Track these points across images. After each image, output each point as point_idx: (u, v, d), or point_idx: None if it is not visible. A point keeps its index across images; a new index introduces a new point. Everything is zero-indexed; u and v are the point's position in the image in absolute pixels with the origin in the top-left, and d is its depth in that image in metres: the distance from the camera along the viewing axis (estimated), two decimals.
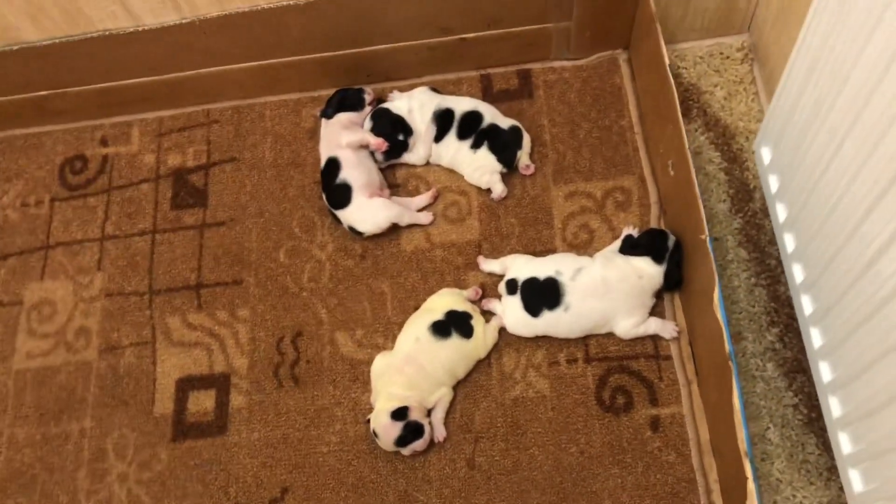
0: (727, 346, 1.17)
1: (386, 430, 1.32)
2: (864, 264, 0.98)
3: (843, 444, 1.12)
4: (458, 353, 1.38)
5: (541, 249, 1.48)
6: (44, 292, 1.58)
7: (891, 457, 0.98)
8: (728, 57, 1.62)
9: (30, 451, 1.45)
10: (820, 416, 1.28)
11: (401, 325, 1.43)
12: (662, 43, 1.39)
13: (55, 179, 1.68)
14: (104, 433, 1.45)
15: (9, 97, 1.65)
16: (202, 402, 1.45)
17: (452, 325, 1.38)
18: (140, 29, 1.51)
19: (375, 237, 1.53)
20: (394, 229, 1.53)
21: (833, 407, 1.13)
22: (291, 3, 1.47)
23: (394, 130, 1.54)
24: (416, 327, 1.39)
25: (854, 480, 1.09)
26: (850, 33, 0.96)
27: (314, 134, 1.63)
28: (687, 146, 1.32)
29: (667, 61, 1.37)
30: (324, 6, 1.47)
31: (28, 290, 1.59)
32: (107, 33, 1.52)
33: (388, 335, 1.45)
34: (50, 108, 1.68)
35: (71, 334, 1.54)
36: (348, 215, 1.51)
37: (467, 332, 1.38)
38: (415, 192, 1.57)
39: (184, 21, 1.50)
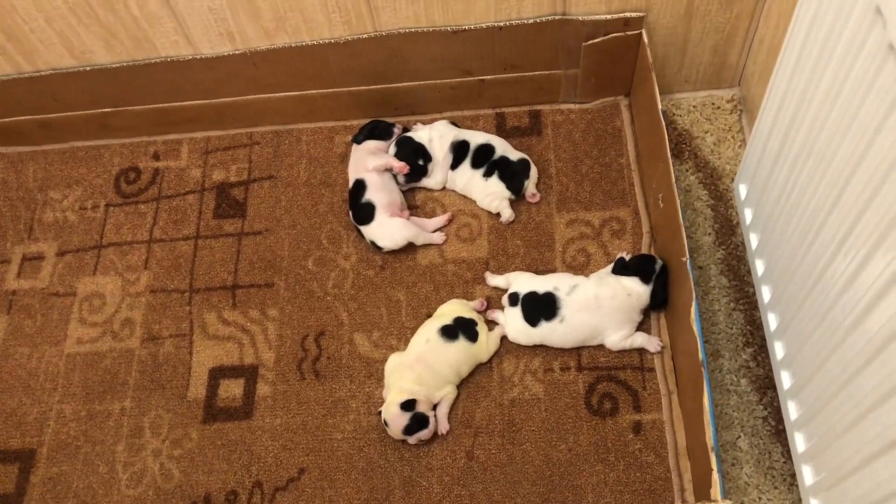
0: (700, 354, 1.33)
1: (395, 419, 1.48)
2: (817, 276, 1.15)
3: (799, 443, 1.27)
4: (463, 355, 1.54)
5: (542, 269, 1.65)
6: (95, 286, 1.76)
7: (835, 447, 1.13)
8: (719, 107, 1.80)
9: (75, 425, 1.62)
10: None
11: (413, 330, 1.60)
12: (657, 91, 1.58)
13: (111, 187, 1.88)
14: (142, 412, 1.62)
15: (76, 112, 1.85)
16: (231, 390, 1.62)
17: (460, 329, 1.55)
18: (197, 57, 1.72)
19: (394, 251, 1.70)
20: (411, 245, 1.70)
21: (791, 410, 1.29)
22: (332, 40, 1.67)
23: (415, 156, 1.73)
24: (427, 330, 1.56)
25: (806, 475, 1.24)
26: (806, 79, 1.15)
27: (344, 158, 1.82)
28: (675, 182, 1.49)
29: (660, 107, 1.55)
30: (361, 45, 1.67)
31: (81, 283, 1.77)
32: (168, 60, 1.72)
33: (401, 338, 1.62)
34: (111, 124, 1.88)
35: (117, 324, 1.71)
36: (371, 231, 1.69)
37: (473, 336, 1.55)
38: (432, 214, 1.75)
39: (236, 52, 1.71)
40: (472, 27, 1.63)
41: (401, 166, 1.72)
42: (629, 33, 1.65)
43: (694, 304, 1.37)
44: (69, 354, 1.69)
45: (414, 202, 1.77)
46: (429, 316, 1.62)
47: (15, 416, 1.64)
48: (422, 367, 1.52)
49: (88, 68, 1.75)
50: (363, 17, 1.62)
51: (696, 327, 1.35)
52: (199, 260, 1.76)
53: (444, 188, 1.77)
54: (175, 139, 1.92)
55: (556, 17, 1.62)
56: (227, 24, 1.64)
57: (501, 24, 1.63)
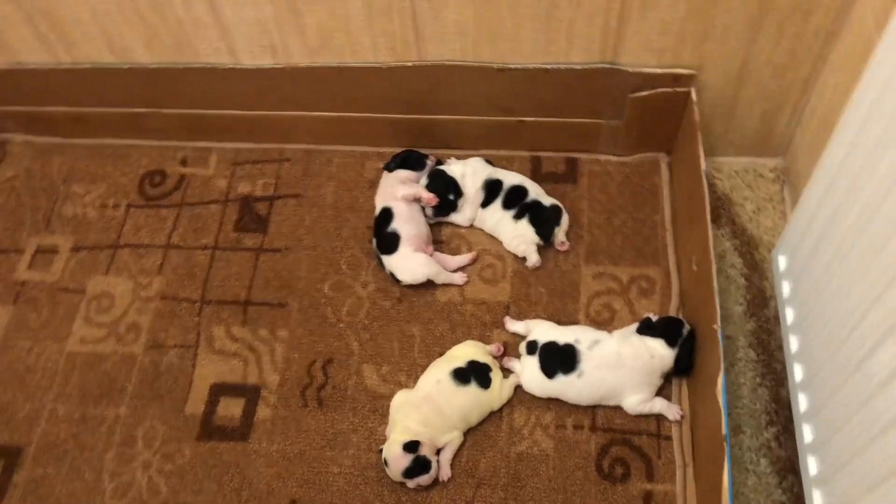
0: (724, 428, 1.26)
1: (396, 459, 1.42)
2: (857, 363, 1.09)
3: None
4: (473, 401, 1.48)
5: (564, 320, 1.59)
6: (106, 286, 1.72)
7: None
8: (761, 175, 1.75)
9: (66, 426, 1.57)
10: None
11: (424, 368, 1.54)
12: (702, 151, 1.53)
13: (135, 188, 1.85)
14: (136, 422, 1.56)
15: (110, 109, 1.84)
16: (231, 409, 1.56)
17: (472, 373, 1.49)
18: (237, 67, 1.70)
19: (413, 285, 1.65)
20: (431, 280, 1.66)
21: (816, 499, 1.21)
22: (375, 65, 1.64)
23: (446, 190, 1.69)
24: (439, 370, 1.50)
25: None
26: (863, 159, 1.10)
27: (373, 184, 1.78)
28: (712, 246, 1.44)
29: (703, 168, 1.51)
30: (403, 73, 1.64)
31: (92, 281, 1.73)
32: (208, 66, 1.70)
33: (411, 374, 1.56)
34: (143, 124, 1.86)
35: (123, 328, 1.67)
36: (392, 262, 1.64)
37: (485, 382, 1.49)
38: (456, 251, 1.70)
39: (276, 66, 1.68)
40: (518, 67, 1.60)
41: (430, 198, 1.67)
42: (678, 90, 1.61)
43: (721, 375, 1.30)
44: (70, 353, 1.65)
45: (439, 236, 1.72)
46: (441, 355, 1.57)
47: (6, 412, 1.59)
48: (429, 409, 1.46)
49: (127, 66, 1.73)
50: (409, 44, 1.59)
51: (721, 400, 1.29)
52: (214, 271, 1.72)
53: (471, 226, 1.73)
54: (205, 147, 1.89)
55: (605, 66, 1.59)
56: (272, 37, 1.62)
57: (548, 66, 1.59)
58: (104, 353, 1.64)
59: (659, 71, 1.59)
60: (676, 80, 1.60)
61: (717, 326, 1.35)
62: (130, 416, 1.57)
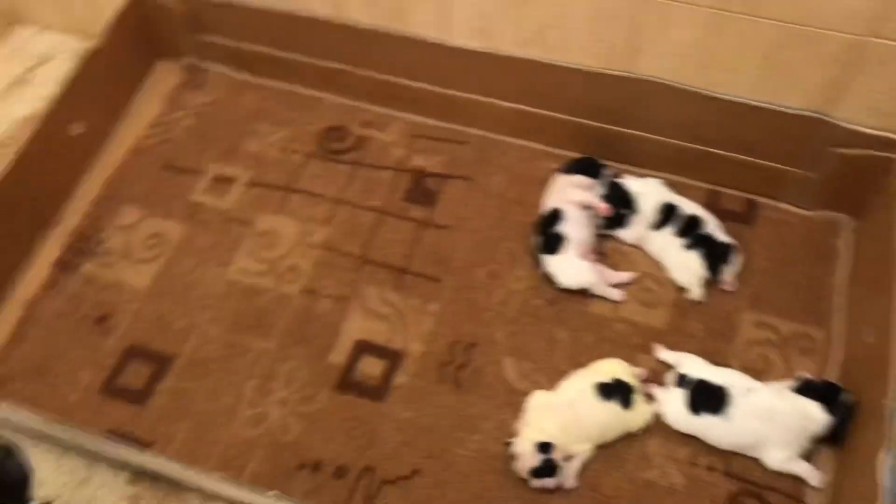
0: None
1: (527, 456, 1.42)
2: None
3: None
4: (613, 419, 1.47)
5: (715, 361, 1.55)
6: (274, 224, 1.79)
7: None
8: None
9: (215, 348, 1.63)
10: None
11: (564, 374, 1.54)
12: None
13: (316, 139, 1.91)
14: (281, 359, 1.61)
15: (309, 59, 1.90)
16: (371, 367, 1.59)
17: (617, 391, 1.47)
18: (443, 44, 1.73)
19: (568, 291, 1.65)
20: (586, 289, 1.65)
21: None
22: (582, 68, 1.65)
23: (621, 204, 1.68)
24: (584, 381, 1.49)
25: None
26: None
27: (543, 183, 1.78)
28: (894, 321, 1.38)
29: None
30: (608, 81, 1.64)
31: (261, 218, 1.80)
32: (416, 37, 1.74)
33: (550, 378, 1.55)
34: (336, 80, 1.91)
35: (283, 268, 1.73)
36: (553, 263, 1.65)
37: (628, 402, 1.47)
38: (615, 267, 1.69)
39: (483, 50, 1.71)
40: (727, 98, 1.58)
41: (605, 208, 1.67)
42: (885, 155, 1.55)
43: (886, 454, 1.25)
44: (230, 280, 1.72)
45: (601, 249, 1.71)
46: (583, 366, 1.56)
47: (164, 320, 1.67)
48: (569, 416, 1.45)
49: (339, 22, 1.79)
50: (623, 54, 1.59)
51: (881, 478, 1.24)
52: (377, 233, 1.76)
53: (636, 245, 1.71)
54: (388, 114, 1.93)
55: (816, 115, 1.55)
56: (488, 20, 1.64)
57: (759, 103, 1.56)
58: (261, 288, 1.70)
59: (871, 132, 1.54)
60: (886, 144, 1.54)
61: (891, 401, 1.29)
62: (276, 353, 1.62)
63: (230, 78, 2.02)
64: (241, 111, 1.97)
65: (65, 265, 1.74)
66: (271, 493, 1.32)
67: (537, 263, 1.68)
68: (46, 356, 1.63)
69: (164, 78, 2.03)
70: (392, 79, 1.87)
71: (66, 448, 1.51)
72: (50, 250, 1.76)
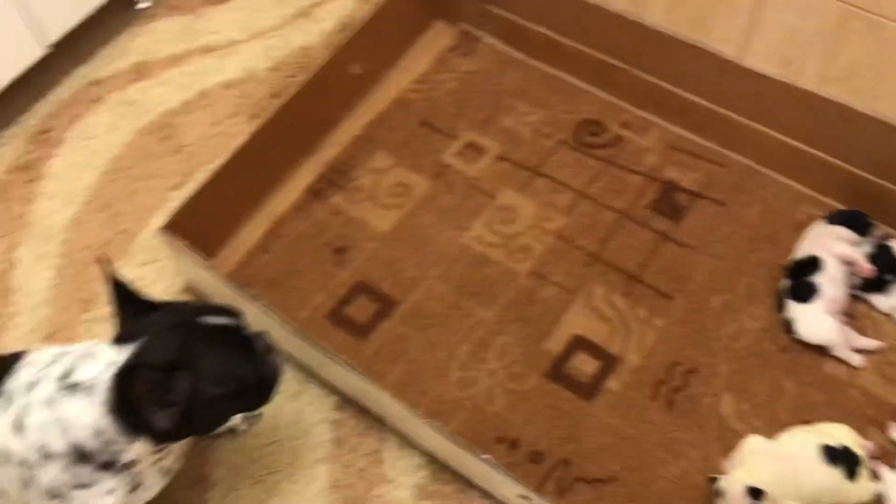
0: None
1: (736, 498, 1.36)
2: None
3: None
4: (833, 486, 1.38)
5: None
6: (514, 202, 1.80)
7: None
8: None
9: (438, 304, 1.67)
10: None
11: (785, 425, 1.46)
12: None
13: (571, 128, 1.91)
14: (497, 331, 1.63)
15: (587, 49, 1.89)
16: (584, 365, 1.58)
17: (843, 459, 1.38)
18: (737, 63, 1.67)
19: (805, 343, 1.57)
20: (824, 347, 1.56)
21: None
22: (881, 118, 1.55)
23: (886, 267, 1.57)
24: (809, 438, 1.41)
25: None
26: None
27: (801, 228, 1.70)
28: None
29: None
30: None
31: (503, 193, 1.82)
32: (710, 50, 1.69)
33: (769, 425, 1.48)
34: (607, 77, 1.90)
35: (516, 245, 1.74)
36: (797, 312, 1.56)
37: (852, 474, 1.38)
38: (862, 331, 1.58)
39: (775, 77, 1.64)
40: None
41: (869, 269, 1.57)
42: None
43: None
44: (463, 245, 1.75)
45: (852, 310, 1.61)
46: (806, 423, 1.47)
47: (396, 266, 1.73)
48: (787, 468, 1.38)
49: (630, 18, 1.77)
50: None
51: None
52: (615, 235, 1.74)
53: (889, 314, 1.60)
54: (650, 120, 1.90)
55: None
56: (794, 49, 1.57)
57: None
58: (491, 259, 1.72)
59: None
60: None
61: None
62: (494, 324, 1.64)
63: (500, 52, 2.05)
64: (504, 86, 2.00)
65: (316, 192, 1.84)
66: (485, 455, 1.33)
67: (779, 307, 1.60)
68: (284, 271, 1.73)
69: (438, 38, 2.09)
70: (663, 84, 1.83)
71: (286, 359, 1.59)
72: (305, 175, 1.87)
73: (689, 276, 1.67)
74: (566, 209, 1.79)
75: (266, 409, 1.57)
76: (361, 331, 1.64)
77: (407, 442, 1.52)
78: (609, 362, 1.58)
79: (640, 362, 1.58)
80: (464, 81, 2.01)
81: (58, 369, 1.14)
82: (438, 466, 1.50)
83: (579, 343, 1.61)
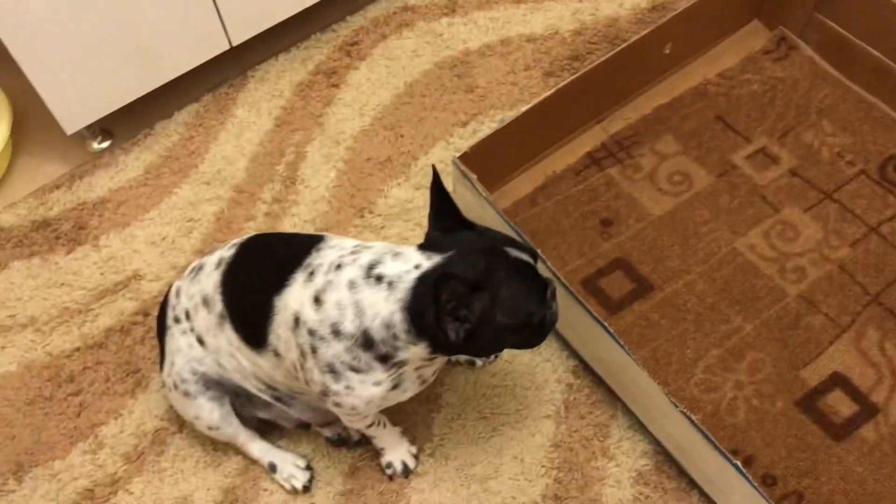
0: None
1: None
2: None
3: None
4: None
5: None
6: (798, 220, 1.71)
7: None
8: None
9: (696, 302, 1.63)
10: None
11: None
12: None
13: (878, 160, 1.78)
14: (752, 346, 1.57)
15: None
16: (840, 405, 1.50)
17: None
18: None
19: None
20: None
21: None
22: None
23: None
24: None
25: None
26: None
27: None
28: None
29: None
30: None
31: (790, 209, 1.73)
32: None
33: None
34: None
35: (790, 265, 1.66)
36: None
37: None
38: None
39: None
40: None
41: None
42: None
43: None
44: (735, 249, 1.69)
45: None
46: None
47: (661, 251, 1.70)
48: None
49: None
50: None
51: None
52: None
53: None
54: None
55: None
56: None
57: None
58: (762, 272, 1.66)
59: None
60: None
61: None
62: (751, 337, 1.58)
63: (814, 64, 1.95)
64: (811, 100, 1.89)
65: (595, 160, 1.84)
66: (736, 461, 1.30)
67: None
68: (548, 228, 1.75)
69: (751, 37, 2.01)
70: None
71: None
72: (588, 141, 1.87)
73: None
74: (853, 241, 1.68)
75: (505, 353, 1.63)
76: (613, 306, 1.64)
77: (637, 426, 1.51)
78: (869, 409, 1.49)
79: None
80: (769, 86, 1.93)
81: (366, 258, 1.22)
82: (664, 459, 1.48)
83: (839, 381, 1.52)
